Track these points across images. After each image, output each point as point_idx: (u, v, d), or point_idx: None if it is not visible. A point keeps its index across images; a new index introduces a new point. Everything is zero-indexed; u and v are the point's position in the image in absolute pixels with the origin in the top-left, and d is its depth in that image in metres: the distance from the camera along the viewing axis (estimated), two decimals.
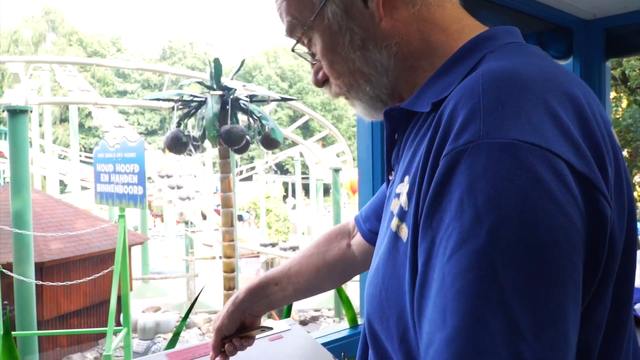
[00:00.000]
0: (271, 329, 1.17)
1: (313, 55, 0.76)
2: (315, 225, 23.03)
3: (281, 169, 42.84)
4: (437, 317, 0.50)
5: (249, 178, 34.33)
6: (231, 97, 6.67)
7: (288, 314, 1.57)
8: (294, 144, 36.33)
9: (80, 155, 29.07)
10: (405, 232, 0.60)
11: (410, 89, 0.69)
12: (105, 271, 5.04)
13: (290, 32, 0.75)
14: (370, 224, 0.96)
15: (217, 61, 6.74)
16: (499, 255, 0.47)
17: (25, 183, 7.52)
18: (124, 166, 4.57)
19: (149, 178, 16.31)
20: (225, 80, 6.72)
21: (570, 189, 0.49)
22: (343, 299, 1.70)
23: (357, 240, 0.99)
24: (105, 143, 5.00)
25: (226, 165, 7.05)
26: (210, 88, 6.81)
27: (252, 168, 31.13)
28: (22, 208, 7.26)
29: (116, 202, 4.73)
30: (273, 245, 12.63)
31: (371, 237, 0.94)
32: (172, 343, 1.39)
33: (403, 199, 0.62)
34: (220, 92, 6.60)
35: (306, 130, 37.63)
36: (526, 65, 0.58)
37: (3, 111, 7.35)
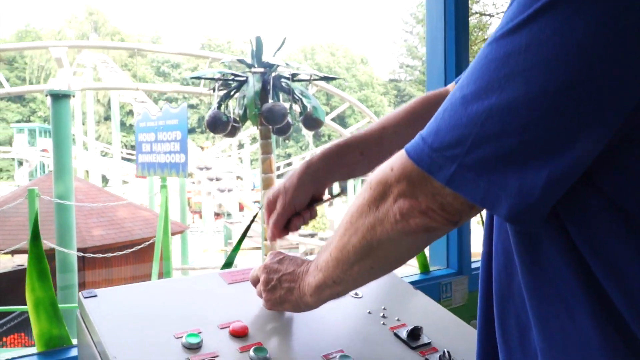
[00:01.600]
0: (342, 194, 0.98)
1: None
2: None
3: None
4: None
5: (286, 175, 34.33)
6: (272, 75, 6.54)
7: None
8: (330, 139, 36.10)
9: (122, 152, 29.71)
10: None
11: None
12: (147, 243, 4.96)
13: None
14: None
15: (258, 39, 6.61)
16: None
17: (67, 167, 7.58)
18: (166, 134, 4.46)
19: (190, 174, 16.40)
20: (267, 58, 6.59)
21: None
22: None
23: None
24: (147, 112, 4.92)
25: (267, 145, 6.91)
26: (250, 66, 6.68)
27: (289, 164, 31.11)
28: (65, 192, 7.32)
29: (158, 172, 4.63)
30: (312, 235, 12.47)
31: None
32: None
33: None
34: (262, 70, 6.46)
35: (342, 126, 37.40)
36: None
37: (46, 95, 7.42)
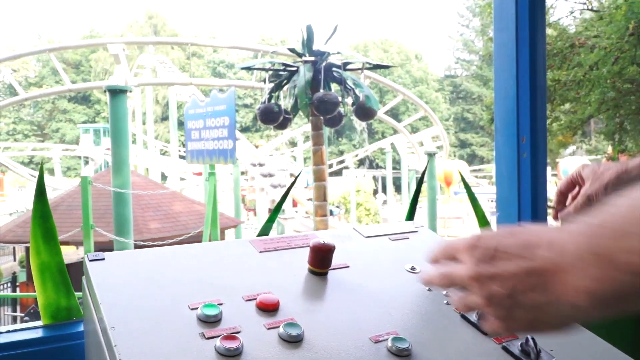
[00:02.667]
0: None
1: None
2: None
3: (371, 163, 42.40)
4: None
5: (339, 172, 34.20)
6: (324, 64, 6.39)
7: (411, 217, 1.19)
8: (384, 136, 35.72)
9: (180, 151, 30.48)
10: None
11: None
12: (195, 231, 4.93)
13: None
14: None
15: (309, 27, 6.48)
16: None
17: (125, 161, 7.72)
18: (214, 120, 4.40)
19: (244, 172, 16.54)
20: (318, 46, 6.46)
21: None
22: (479, 216, 1.29)
23: None
24: (196, 98, 4.89)
25: (318, 137, 6.77)
26: (301, 55, 6.57)
27: (342, 161, 30.92)
28: (122, 184, 7.45)
29: (206, 160, 4.58)
30: None
31: None
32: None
33: None
34: (313, 59, 6.33)
35: (396, 120, 36.87)
36: None
37: (104, 91, 7.60)
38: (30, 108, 48.46)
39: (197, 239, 10.17)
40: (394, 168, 30.77)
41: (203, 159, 4.78)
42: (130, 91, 8.00)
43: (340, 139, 45.20)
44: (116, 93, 7.41)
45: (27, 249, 10.63)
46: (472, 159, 45.07)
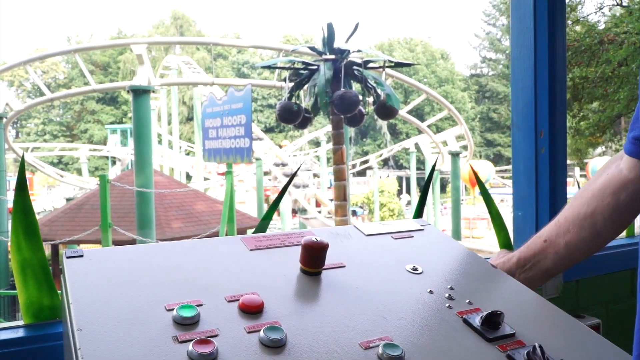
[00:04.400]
0: None
1: None
2: (431, 221, 22.12)
3: (395, 163, 42.09)
4: None
5: (363, 173, 34.02)
6: (344, 62, 6.33)
7: (419, 215, 1.13)
8: (408, 136, 35.44)
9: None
10: None
11: None
12: (211, 230, 4.93)
13: None
14: None
15: (330, 25, 6.41)
16: None
17: (148, 160, 7.79)
18: (231, 119, 4.38)
19: (267, 172, 16.57)
20: (339, 44, 6.38)
21: None
22: (493, 215, 1.22)
23: (630, 163, 0.79)
24: (213, 96, 4.87)
25: (339, 136, 6.70)
26: (322, 53, 6.51)
27: (366, 162, 30.77)
28: (145, 183, 7.52)
29: (223, 159, 4.57)
30: None
31: None
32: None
33: None
34: (333, 57, 6.27)
35: (420, 120, 36.59)
36: None
37: (128, 91, 7.67)
38: (60, 109, 49.55)
39: (214, 236, 10.22)
40: (418, 168, 30.47)
41: (220, 157, 4.78)
42: (154, 91, 8.08)
43: (364, 139, 45.05)
44: (139, 93, 7.48)
45: (52, 246, 10.81)
46: (498, 159, 44.43)
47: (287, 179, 14.22)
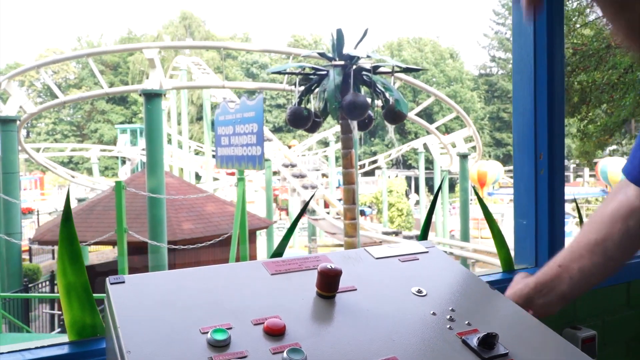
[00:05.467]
0: None
1: None
2: (439, 222, 22.12)
3: (404, 163, 42.10)
4: None
5: (371, 173, 34.10)
6: (353, 68, 6.41)
7: (424, 237, 1.21)
8: (416, 136, 35.44)
9: (213, 151, 30.96)
10: None
11: None
12: (225, 235, 5.04)
13: None
14: None
15: (339, 31, 6.51)
16: None
17: (159, 163, 7.92)
18: (243, 127, 4.49)
19: (276, 172, 16.70)
20: (349, 48, 6.48)
21: None
22: (495, 233, 1.30)
23: (637, 191, 0.85)
24: (226, 105, 4.99)
25: (348, 140, 6.80)
26: (331, 59, 6.60)
27: (374, 162, 30.82)
28: (157, 186, 7.65)
29: (235, 165, 4.69)
30: (396, 233, 12.20)
31: None
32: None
33: None
34: (342, 63, 6.36)
35: (429, 122, 36.56)
36: None
37: (140, 95, 7.80)
38: (70, 109, 49.90)
39: (229, 240, 10.35)
40: (426, 168, 30.49)
41: (232, 164, 4.90)
42: (165, 95, 8.20)
43: (372, 138, 45.06)
44: (151, 97, 7.61)
45: None
46: (507, 159, 44.28)
47: (296, 180, 14.34)
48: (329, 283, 0.80)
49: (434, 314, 0.82)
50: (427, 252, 1.02)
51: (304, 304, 0.79)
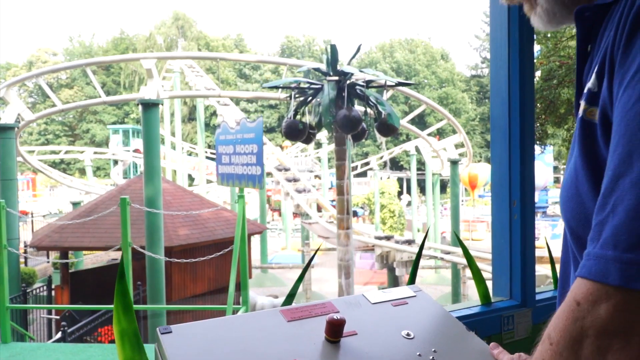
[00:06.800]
0: None
1: None
2: (431, 223, 22.41)
3: (396, 165, 42.39)
4: (621, 163, 0.49)
5: (363, 174, 34.36)
6: (347, 83, 6.61)
7: (412, 281, 1.41)
8: (409, 138, 35.72)
9: (206, 152, 31.06)
10: (596, 113, 0.58)
11: None
12: (226, 250, 5.22)
13: None
14: None
15: (333, 47, 6.71)
16: None
17: (156, 171, 8.08)
18: (243, 147, 4.69)
19: (269, 174, 16.88)
20: (341, 66, 6.67)
21: None
22: (474, 271, 1.50)
23: None
24: (226, 125, 5.18)
25: (342, 152, 7.01)
26: (326, 74, 6.80)
27: (367, 164, 31.08)
28: (154, 194, 7.81)
29: (236, 183, 4.88)
30: (388, 238, 12.44)
31: None
32: (287, 304, 1.29)
33: (591, 83, 0.60)
34: (337, 78, 6.56)
35: (422, 126, 36.85)
36: None
37: (137, 104, 7.96)
38: None
39: (225, 245, 10.51)
40: (418, 169, 30.78)
41: (233, 182, 5.10)
42: (162, 104, 8.35)
43: (364, 139, 45.24)
44: (149, 107, 7.77)
45: (61, 252, 11.11)
46: None
47: (289, 184, 14.52)
48: (335, 331, 1.00)
49: (419, 355, 1.01)
50: (415, 296, 1.22)
51: (316, 348, 0.98)
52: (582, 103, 0.61)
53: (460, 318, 1.57)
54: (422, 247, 1.47)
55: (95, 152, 33.12)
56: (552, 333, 0.53)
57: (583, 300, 0.49)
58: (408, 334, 1.08)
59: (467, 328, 1.15)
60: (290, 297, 1.29)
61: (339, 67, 6.70)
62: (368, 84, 6.70)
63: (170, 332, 0.98)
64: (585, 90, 0.61)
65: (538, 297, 1.61)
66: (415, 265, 1.41)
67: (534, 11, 0.72)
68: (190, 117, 45.02)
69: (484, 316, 1.52)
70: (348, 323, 1.06)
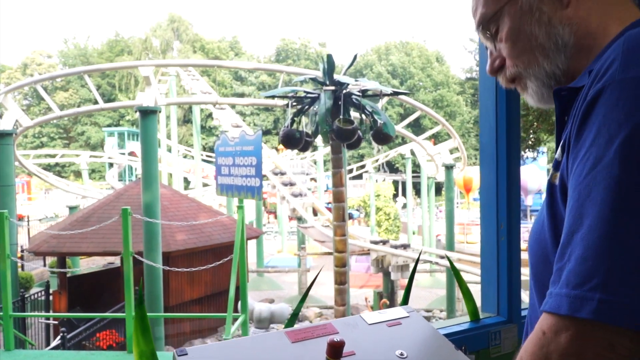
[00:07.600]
0: None
1: (496, 39, 0.85)
2: (426, 225, 22.52)
3: (391, 167, 42.55)
4: (574, 222, 0.60)
5: (359, 177, 34.48)
6: (343, 92, 6.72)
7: (406, 302, 1.51)
8: (404, 141, 35.90)
9: (202, 155, 31.10)
10: (557, 177, 0.70)
11: (582, 69, 0.75)
12: (226, 259, 5.31)
13: (482, 22, 0.85)
14: None
15: (329, 57, 6.82)
16: (626, 167, 0.56)
17: (154, 177, 8.15)
18: (243, 159, 4.78)
19: (264, 176, 17.00)
20: (337, 76, 6.78)
21: None
22: (463, 290, 1.60)
23: None
24: (226, 137, 5.27)
25: (338, 160, 7.11)
26: (322, 84, 6.91)
27: (362, 166, 31.21)
28: (152, 200, 7.88)
29: (235, 194, 4.97)
30: (384, 242, 12.56)
31: None
32: (290, 325, 1.39)
33: (557, 154, 0.73)
34: (333, 88, 6.66)
35: (417, 129, 37.01)
36: None
37: (135, 111, 8.04)
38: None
39: (222, 249, 10.61)
40: (413, 171, 30.93)
41: (232, 193, 5.19)
42: (160, 111, 8.46)
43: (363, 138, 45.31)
44: (147, 114, 7.84)
45: (58, 258, 11.15)
46: None
47: (285, 188, 14.61)
48: (335, 352, 1.10)
49: None
50: (408, 316, 1.33)
51: None
52: (551, 169, 0.74)
53: (451, 334, 1.69)
54: (414, 269, 1.58)
55: (91, 156, 33.07)
56: (524, 356, 0.66)
57: (547, 331, 0.62)
58: (402, 354, 1.18)
59: (456, 347, 1.26)
60: (293, 317, 1.39)
61: (335, 77, 6.80)
62: (364, 93, 6.82)
63: (186, 354, 1.08)
64: (555, 158, 0.74)
65: (524, 313, 1.72)
66: (409, 284, 1.51)
67: (527, 92, 0.84)
68: (186, 120, 45.03)
69: (473, 332, 1.63)
70: (347, 344, 1.17)
